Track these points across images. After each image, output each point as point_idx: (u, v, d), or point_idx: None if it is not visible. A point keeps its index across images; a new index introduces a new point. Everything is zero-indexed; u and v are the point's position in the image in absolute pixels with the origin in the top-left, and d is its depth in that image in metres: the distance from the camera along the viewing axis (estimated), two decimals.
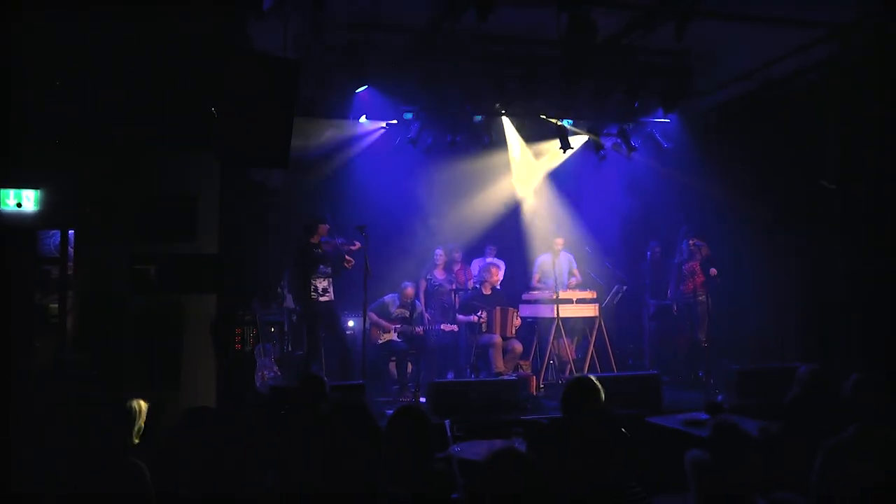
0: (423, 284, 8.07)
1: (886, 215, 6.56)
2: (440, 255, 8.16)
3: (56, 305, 5.77)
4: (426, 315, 7.84)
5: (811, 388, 4.01)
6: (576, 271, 8.42)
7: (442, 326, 7.59)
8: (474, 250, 8.82)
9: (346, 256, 6.99)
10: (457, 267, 8.44)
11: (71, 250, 5.80)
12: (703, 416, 5.04)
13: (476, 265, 8.48)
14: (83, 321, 5.66)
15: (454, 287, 8.03)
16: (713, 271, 7.78)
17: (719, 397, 6.38)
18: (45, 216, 5.66)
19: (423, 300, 8.02)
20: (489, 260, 8.42)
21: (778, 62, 7.07)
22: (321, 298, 6.94)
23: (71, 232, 5.80)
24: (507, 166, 8.92)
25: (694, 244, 7.99)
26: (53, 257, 5.89)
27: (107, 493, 3.24)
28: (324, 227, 7.07)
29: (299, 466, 3.05)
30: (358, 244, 6.97)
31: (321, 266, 6.97)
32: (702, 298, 7.81)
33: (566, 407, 3.77)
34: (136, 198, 5.81)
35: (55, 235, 5.92)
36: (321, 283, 6.96)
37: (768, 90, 7.57)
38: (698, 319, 7.89)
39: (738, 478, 2.87)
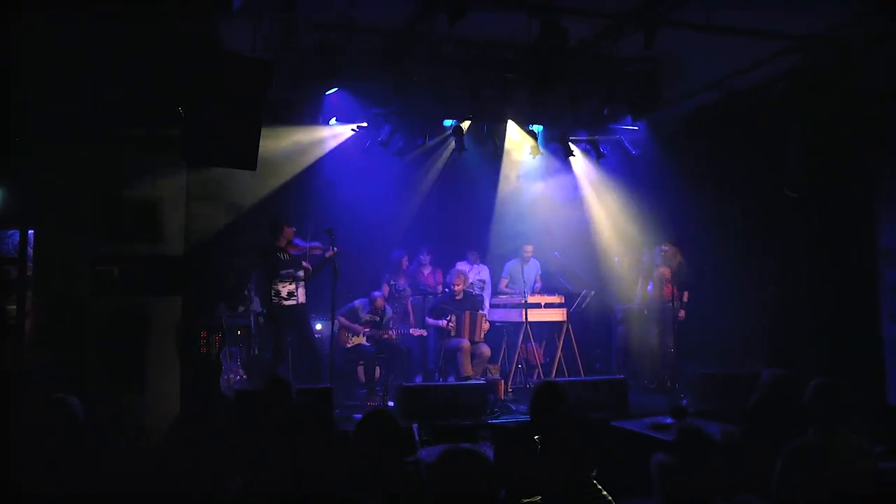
0: (385, 289, 8.03)
1: (849, 224, 6.73)
2: (406, 261, 8.15)
3: (14, 307, 5.62)
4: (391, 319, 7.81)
5: (773, 393, 4.07)
6: (538, 278, 8.47)
7: (411, 331, 7.57)
8: (447, 254, 8.78)
9: (304, 263, 6.86)
10: (426, 270, 8.40)
11: (30, 250, 5.66)
12: (669, 420, 5.11)
13: (460, 268, 8.39)
14: (42, 323, 5.52)
15: (405, 292, 8.02)
16: (682, 314, 7.92)
17: (684, 401, 6.48)
18: (4, 215, 5.52)
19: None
20: (463, 268, 8.37)
21: (745, 73, 7.20)
22: (285, 302, 6.82)
23: (31, 232, 5.66)
24: (480, 168, 8.94)
25: (664, 250, 8.09)
26: (12, 258, 5.74)
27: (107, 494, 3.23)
28: (289, 231, 6.95)
29: (262, 470, 3.02)
30: (335, 249, 6.84)
31: (284, 270, 6.85)
32: (670, 305, 7.91)
33: (534, 411, 3.78)
34: (99, 198, 5.69)
35: (14, 235, 5.77)
36: (286, 288, 6.84)
37: (735, 100, 7.71)
38: (667, 325, 7.98)
39: (701, 481, 2.91)
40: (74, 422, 3.81)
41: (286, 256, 6.89)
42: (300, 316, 6.95)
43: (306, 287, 6.98)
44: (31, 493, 3.32)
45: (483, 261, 8.70)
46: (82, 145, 5.59)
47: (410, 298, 8.12)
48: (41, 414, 4.02)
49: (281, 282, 6.84)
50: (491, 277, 8.62)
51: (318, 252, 6.98)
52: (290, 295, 6.85)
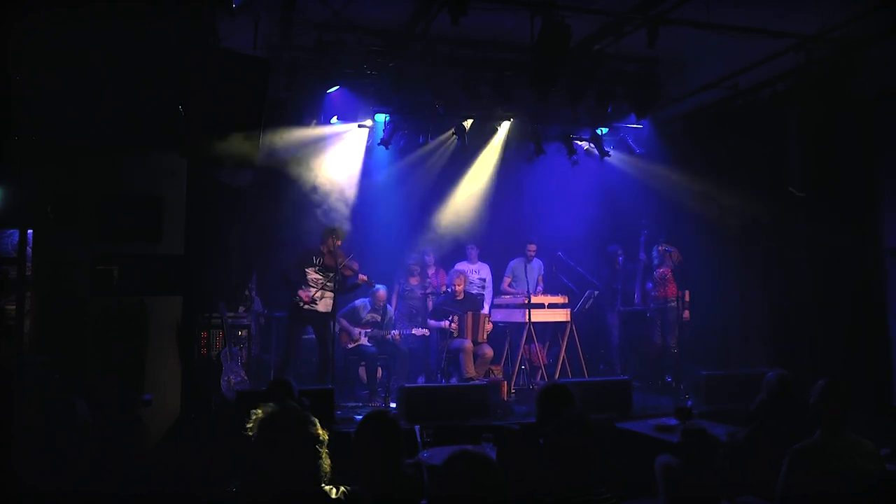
0: (395, 288, 8.01)
1: (855, 222, 6.68)
2: (415, 264, 8.12)
3: (13, 307, 5.59)
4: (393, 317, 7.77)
5: (778, 394, 4.04)
6: (540, 279, 8.42)
7: (413, 331, 7.52)
8: (451, 253, 8.73)
9: (360, 276, 6.96)
10: (431, 271, 8.35)
11: (29, 250, 5.63)
12: (673, 421, 5.06)
13: (460, 268, 8.32)
14: (42, 323, 5.49)
15: (427, 291, 7.98)
16: (686, 314, 7.86)
17: (689, 403, 6.41)
18: (3, 215, 5.49)
19: (394, 304, 7.95)
20: (462, 267, 8.33)
21: (747, 71, 7.16)
22: (304, 306, 6.82)
23: (30, 231, 5.63)
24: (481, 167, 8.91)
25: (664, 250, 8.03)
26: (11, 257, 5.71)
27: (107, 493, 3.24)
28: (334, 241, 6.92)
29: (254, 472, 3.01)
30: (364, 277, 6.97)
31: (312, 276, 6.86)
32: (673, 305, 7.85)
33: (541, 412, 3.74)
34: (99, 197, 5.65)
35: (13, 235, 5.74)
36: (309, 292, 6.84)
37: (738, 98, 7.67)
38: (669, 325, 7.92)
39: (706, 483, 2.88)
40: (79, 423, 3.81)
41: (320, 262, 6.88)
42: (318, 321, 6.92)
43: (334, 300, 6.92)
44: (31, 491, 3.33)
45: (483, 258, 8.65)
46: (82, 144, 5.55)
47: (430, 297, 8.06)
48: (46, 414, 4.02)
49: (307, 285, 6.85)
50: (492, 275, 8.56)
51: (350, 273, 6.97)
52: (312, 301, 6.84)
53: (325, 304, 6.91)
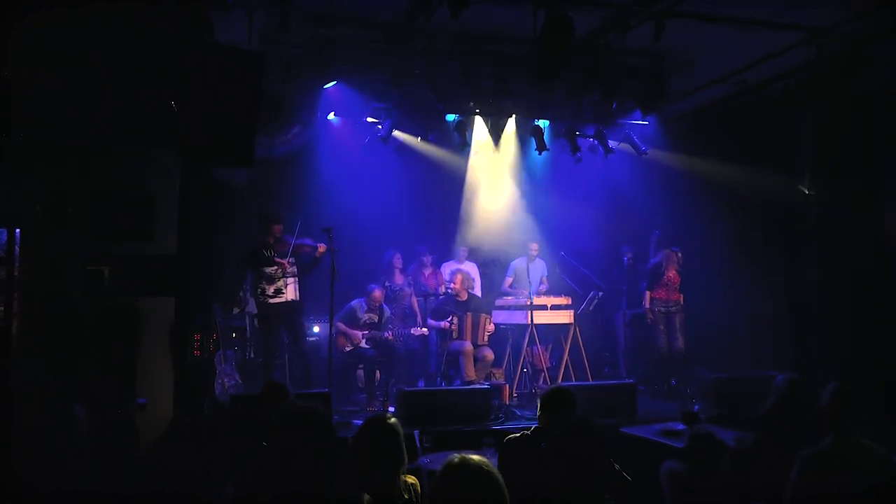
0: (379, 294, 7.85)
1: (864, 221, 6.56)
2: (398, 258, 7.97)
3: (1, 308, 5.48)
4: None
5: (788, 399, 3.95)
6: (545, 279, 8.29)
7: (412, 331, 7.39)
8: (448, 253, 8.61)
9: (281, 260, 6.64)
10: (427, 271, 8.22)
11: (18, 250, 5.52)
12: (680, 426, 4.95)
13: (447, 269, 8.22)
14: (31, 324, 5.38)
15: (411, 291, 7.86)
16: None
17: (695, 407, 6.29)
18: None
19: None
20: (456, 266, 8.20)
21: (755, 66, 7.05)
22: (271, 300, 6.66)
23: (18, 231, 5.52)
24: (480, 166, 8.80)
25: (670, 251, 7.88)
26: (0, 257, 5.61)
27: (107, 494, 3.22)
28: (276, 228, 6.76)
29: (254, 474, 2.93)
30: (323, 246, 6.65)
31: (269, 268, 6.67)
32: (677, 308, 7.71)
33: (543, 416, 3.65)
34: (89, 196, 5.55)
35: (1, 234, 5.64)
36: (272, 286, 6.68)
37: (746, 94, 7.56)
38: (676, 328, 7.76)
39: (713, 489, 2.80)
40: (77, 423, 3.74)
41: (271, 254, 6.74)
42: (290, 314, 6.75)
43: (300, 284, 6.78)
44: (31, 491, 3.29)
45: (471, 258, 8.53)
46: (76, 143, 5.45)
47: (414, 297, 7.94)
48: (45, 415, 3.96)
49: (267, 280, 6.69)
50: (481, 276, 8.44)
51: (307, 250, 6.80)
52: (278, 292, 6.68)
53: (291, 292, 6.74)
